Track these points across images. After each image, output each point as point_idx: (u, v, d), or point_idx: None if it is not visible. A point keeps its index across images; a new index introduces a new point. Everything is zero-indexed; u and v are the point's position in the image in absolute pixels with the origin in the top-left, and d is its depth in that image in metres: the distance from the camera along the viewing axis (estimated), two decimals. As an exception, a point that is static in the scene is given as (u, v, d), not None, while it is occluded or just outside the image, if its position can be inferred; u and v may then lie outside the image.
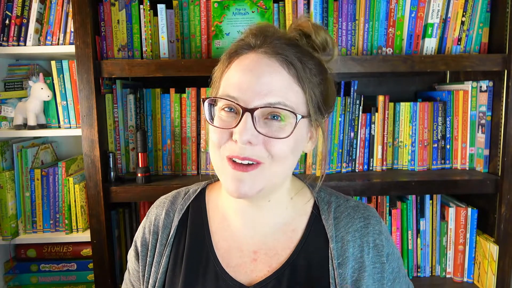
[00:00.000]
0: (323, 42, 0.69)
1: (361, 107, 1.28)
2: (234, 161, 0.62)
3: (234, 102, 0.61)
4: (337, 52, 0.74)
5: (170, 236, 0.73)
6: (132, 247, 0.78)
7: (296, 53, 0.64)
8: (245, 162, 0.61)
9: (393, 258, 0.72)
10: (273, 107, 0.60)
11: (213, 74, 0.70)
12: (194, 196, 0.77)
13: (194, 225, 0.74)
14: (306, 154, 1.28)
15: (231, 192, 0.63)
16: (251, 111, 0.59)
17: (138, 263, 0.75)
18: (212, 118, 0.65)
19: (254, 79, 0.61)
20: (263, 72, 0.61)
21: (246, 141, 0.59)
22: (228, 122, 0.62)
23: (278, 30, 0.68)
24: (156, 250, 0.73)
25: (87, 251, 1.38)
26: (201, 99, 0.67)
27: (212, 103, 0.66)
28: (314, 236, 0.70)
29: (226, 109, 0.63)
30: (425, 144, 1.32)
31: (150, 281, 0.71)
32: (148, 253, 0.73)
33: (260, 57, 0.63)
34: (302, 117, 0.63)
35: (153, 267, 0.72)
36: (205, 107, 0.65)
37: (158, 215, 0.76)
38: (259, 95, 0.60)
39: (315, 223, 0.71)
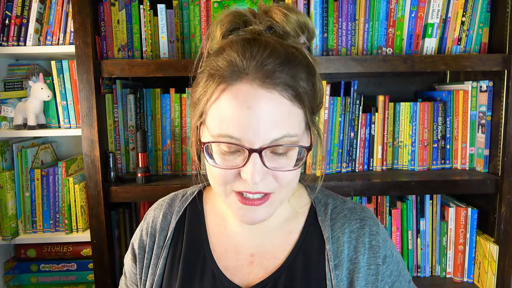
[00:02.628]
0: (296, 26, 0.64)
1: (361, 107, 1.28)
2: (242, 195, 0.60)
3: (238, 144, 0.57)
4: (313, 28, 0.68)
5: (167, 238, 0.72)
6: (129, 250, 0.77)
7: (289, 69, 0.58)
8: (256, 195, 0.60)
9: (391, 261, 0.70)
10: (279, 145, 0.58)
11: (196, 94, 0.64)
12: (191, 198, 0.77)
13: (192, 227, 0.73)
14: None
15: (243, 222, 0.63)
16: (259, 151, 0.56)
17: (136, 265, 0.74)
18: (211, 156, 0.61)
19: (255, 117, 0.56)
20: (264, 108, 0.56)
21: (258, 181, 0.57)
22: (232, 161, 0.59)
23: (250, 20, 0.64)
24: (153, 252, 0.72)
25: (87, 251, 1.38)
26: (201, 144, 0.62)
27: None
28: (311, 238, 0.70)
29: (226, 148, 0.59)
30: (425, 144, 1.32)
31: (147, 283, 0.71)
32: (145, 255, 0.73)
33: (257, 89, 0.57)
34: (309, 148, 0.62)
35: (150, 269, 0.71)
36: (205, 150, 0.60)
37: (155, 218, 0.75)
38: (264, 132, 0.56)
39: (311, 225, 0.71)
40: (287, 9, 0.64)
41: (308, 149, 0.62)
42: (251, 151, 0.56)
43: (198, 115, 0.64)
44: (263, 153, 0.57)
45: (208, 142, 0.60)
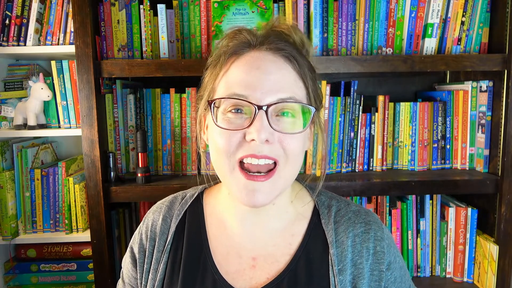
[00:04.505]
0: (301, 41, 0.70)
1: (361, 107, 1.28)
2: (244, 169, 0.60)
3: (244, 100, 0.59)
4: (313, 50, 0.74)
5: (167, 243, 0.71)
6: (128, 254, 0.76)
7: (293, 49, 0.64)
8: (262, 161, 0.60)
9: (395, 267, 0.69)
10: (287, 102, 0.60)
11: (205, 79, 0.68)
12: (191, 201, 0.76)
13: (192, 231, 0.72)
14: (306, 154, 1.28)
15: (246, 203, 0.61)
16: (265, 108, 0.58)
17: (136, 269, 0.73)
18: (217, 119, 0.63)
19: (263, 76, 0.60)
20: (271, 68, 0.61)
21: (264, 139, 0.58)
22: (238, 124, 0.60)
23: (258, 33, 0.68)
24: (153, 256, 0.71)
25: (87, 251, 1.38)
26: (207, 101, 0.64)
27: (214, 106, 0.63)
28: (314, 241, 0.68)
29: (233, 110, 0.61)
30: (425, 144, 1.32)
31: None
32: (145, 259, 0.72)
33: (265, 54, 0.62)
34: (315, 109, 0.63)
35: (150, 274, 0.70)
36: (212, 109, 0.62)
37: (155, 221, 0.74)
38: (270, 91, 0.59)
39: (315, 228, 0.70)
40: (294, 26, 0.70)
41: (314, 110, 0.64)
42: (258, 107, 0.58)
43: (206, 97, 0.67)
44: (269, 113, 0.59)
45: (215, 99, 0.62)
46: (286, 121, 0.61)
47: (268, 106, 0.58)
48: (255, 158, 0.59)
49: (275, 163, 0.61)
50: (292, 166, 0.63)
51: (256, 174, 0.60)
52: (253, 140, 0.58)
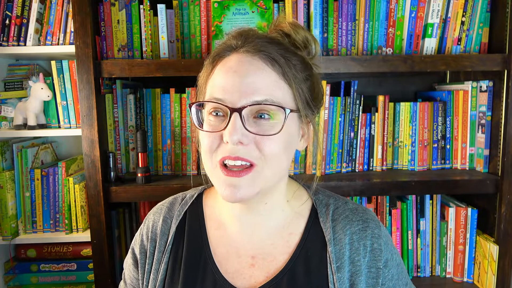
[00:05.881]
0: (304, 40, 0.69)
1: (361, 107, 1.28)
2: (226, 167, 0.61)
3: (220, 103, 0.60)
4: (319, 49, 0.74)
5: (168, 243, 0.72)
6: (129, 255, 0.77)
7: (278, 49, 0.63)
8: (238, 162, 0.60)
9: (392, 264, 0.70)
10: (261, 104, 0.60)
11: (198, 80, 0.70)
12: (191, 201, 0.77)
13: (192, 231, 0.73)
14: (306, 154, 1.28)
15: (226, 198, 0.62)
16: (239, 110, 0.59)
17: (137, 270, 0.74)
18: (201, 123, 0.65)
19: (238, 79, 0.60)
20: (247, 71, 0.61)
21: (236, 140, 0.58)
22: (217, 126, 0.62)
23: (259, 33, 0.68)
24: (154, 257, 0.72)
25: (87, 251, 1.38)
26: (188, 105, 0.67)
27: (200, 108, 0.66)
28: (312, 239, 0.69)
29: (213, 113, 0.62)
30: (425, 144, 1.32)
31: None
32: (147, 260, 0.73)
33: (243, 56, 0.63)
34: (291, 111, 0.62)
35: (151, 274, 0.71)
36: (192, 112, 0.65)
37: (155, 222, 0.75)
38: (245, 94, 0.60)
39: (313, 226, 0.70)
40: (298, 24, 0.70)
41: (294, 111, 0.63)
42: (232, 110, 0.59)
43: (198, 96, 0.69)
44: (245, 115, 0.60)
45: (194, 103, 0.65)
46: (263, 124, 0.61)
47: (242, 108, 0.59)
48: (231, 160, 0.60)
49: (251, 164, 0.61)
50: (272, 167, 0.62)
51: (235, 170, 0.61)
52: (227, 142, 0.59)
